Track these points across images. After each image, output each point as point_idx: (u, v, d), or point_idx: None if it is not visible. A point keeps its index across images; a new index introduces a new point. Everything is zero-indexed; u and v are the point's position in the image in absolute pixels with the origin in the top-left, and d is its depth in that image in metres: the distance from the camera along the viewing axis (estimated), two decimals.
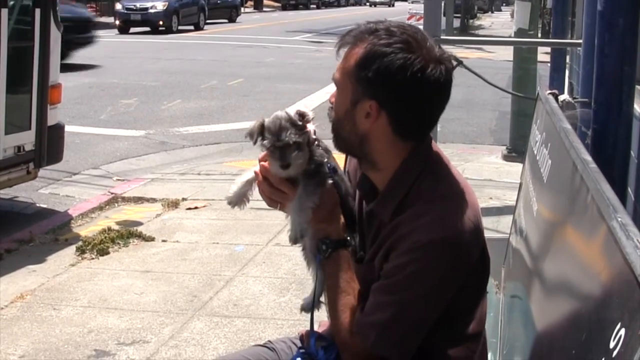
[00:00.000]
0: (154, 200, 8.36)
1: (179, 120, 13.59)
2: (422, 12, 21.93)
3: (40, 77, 7.55)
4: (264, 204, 7.81)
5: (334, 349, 2.53)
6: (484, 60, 28.07)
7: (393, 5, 78.85)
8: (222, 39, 31.08)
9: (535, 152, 3.84)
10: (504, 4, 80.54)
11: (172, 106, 15.05)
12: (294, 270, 6.23)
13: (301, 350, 2.64)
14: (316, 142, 2.52)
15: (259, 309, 5.47)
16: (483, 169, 10.52)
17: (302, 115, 2.48)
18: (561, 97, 4.15)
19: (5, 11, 7.13)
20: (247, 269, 6.28)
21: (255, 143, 2.51)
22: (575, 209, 2.45)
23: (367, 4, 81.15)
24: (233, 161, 10.55)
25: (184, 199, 8.31)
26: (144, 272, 6.17)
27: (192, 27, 36.96)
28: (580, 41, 4.61)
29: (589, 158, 2.62)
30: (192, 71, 20.22)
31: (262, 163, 2.53)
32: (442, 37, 5.24)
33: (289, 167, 2.46)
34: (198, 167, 10.22)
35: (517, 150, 11.25)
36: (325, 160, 2.52)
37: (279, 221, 7.52)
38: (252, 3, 64.64)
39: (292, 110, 2.51)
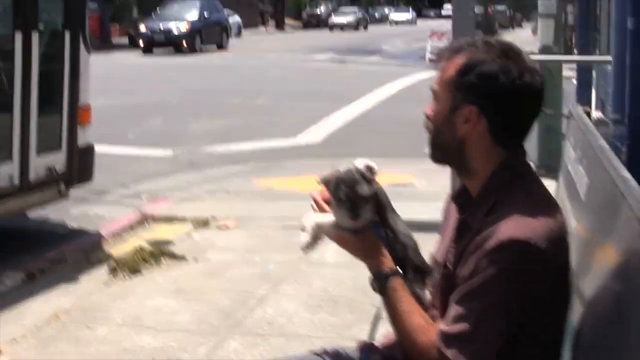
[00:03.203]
0: (184, 219, 8.38)
1: (205, 138, 13.64)
2: (444, 30, 22.20)
3: (70, 98, 7.63)
4: (294, 223, 7.87)
5: None
6: None
7: (415, 23, 78.60)
8: (244, 58, 31.22)
9: (570, 169, 3.83)
10: (525, 20, 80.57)
11: (198, 125, 15.13)
12: (327, 288, 6.24)
13: None
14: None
15: (293, 327, 5.48)
16: None
17: (369, 169, 2.60)
18: (593, 114, 4.15)
19: (36, 33, 7.22)
20: (280, 287, 6.28)
21: (329, 192, 2.61)
22: (616, 226, 2.45)
23: (389, 23, 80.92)
24: (261, 179, 10.58)
25: (214, 218, 8.32)
26: (177, 292, 6.19)
27: (215, 47, 37.19)
28: (609, 58, 4.62)
29: (628, 175, 2.62)
30: (216, 90, 20.33)
31: (317, 199, 2.68)
32: None
33: (357, 219, 2.58)
34: (226, 185, 10.25)
35: (545, 167, 11.22)
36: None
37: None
38: (273, 22, 64.95)
39: (360, 164, 2.62)
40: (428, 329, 2.48)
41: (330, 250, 7.18)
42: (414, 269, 2.69)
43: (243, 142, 13.49)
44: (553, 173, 11.44)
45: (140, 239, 7.67)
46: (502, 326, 2.36)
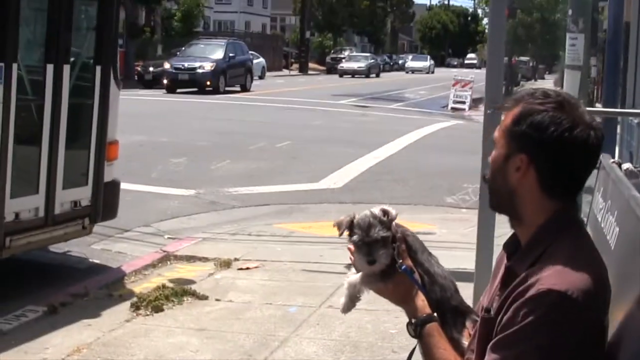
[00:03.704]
0: (206, 259, 8.40)
1: (228, 180, 13.68)
2: (468, 78, 22.21)
3: (99, 133, 7.68)
4: (315, 267, 7.87)
5: None
6: None
7: (433, 72, 77.01)
8: (268, 101, 31.39)
9: (600, 219, 3.84)
10: (547, 72, 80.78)
11: (222, 166, 15.18)
12: (348, 332, 6.22)
13: None
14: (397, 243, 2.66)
15: None
16: None
17: (386, 213, 2.63)
18: (624, 166, 4.17)
19: (67, 67, 7.29)
20: (301, 330, 6.27)
21: (340, 235, 2.67)
22: None
23: (406, 71, 79.07)
24: (283, 223, 10.61)
25: (236, 259, 8.34)
26: (199, 330, 6.19)
27: (238, 88, 37.39)
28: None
29: None
30: (240, 132, 20.42)
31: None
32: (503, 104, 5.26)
33: (374, 263, 2.61)
34: (248, 227, 10.27)
35: None
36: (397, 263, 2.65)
37: (331, 283, 7.54)
38: (297, 66, 65.37)
39: (376, 209, 2.66)
40: None
41: None
42: (452, 311, 2.70)
43: (265, 185, 13.52)
44: None
45: (162, 277, 7.68)
46: None
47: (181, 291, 7.03)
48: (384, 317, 6.57)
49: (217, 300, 6.99)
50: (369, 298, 7.45)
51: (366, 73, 62.58)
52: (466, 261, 8.17)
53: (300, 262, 8.33)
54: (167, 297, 6.86)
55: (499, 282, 2.60)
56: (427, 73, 75.79)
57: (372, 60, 67.34)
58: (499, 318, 2.44)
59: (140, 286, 7.38)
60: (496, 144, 2.55)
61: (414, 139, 21.43)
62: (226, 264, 8.17)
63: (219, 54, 36.67)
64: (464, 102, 34.77)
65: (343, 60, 66.70)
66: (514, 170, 2.48)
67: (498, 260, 2.79)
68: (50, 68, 7.13)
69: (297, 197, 12.68)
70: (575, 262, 2.37)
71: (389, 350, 5.85)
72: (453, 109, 34.07)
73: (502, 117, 2.59)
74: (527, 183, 2.47)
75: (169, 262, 8.35)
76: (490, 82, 5.23)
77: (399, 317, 6.60)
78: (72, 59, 7.46)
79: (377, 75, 64.29)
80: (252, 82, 39.46)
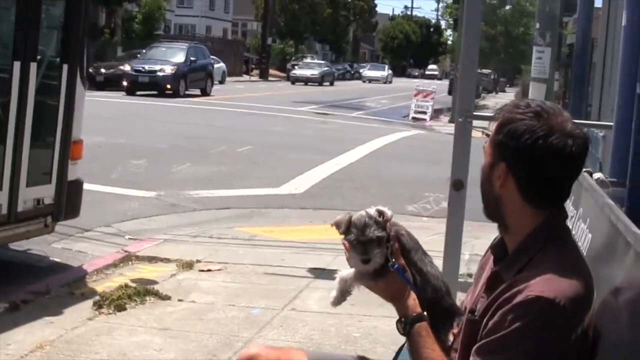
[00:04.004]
0: (167, 260, 8.39)
1: (189, 183, 13.66)
2: (429, 89, 22.46)
3: (64, 132, 7.64)
4: (277, 270, 7.92)
5: None
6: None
7: (390, 82, 76.39)
8: (228, 106, 31.35)
9: (571, 227, 3.92)
10: (509, 86, 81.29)
11: (182, 169, 15.15)
12: (311, 335, 6.26)
13: None
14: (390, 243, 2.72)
15: None
16: None
17: (381, 214, 2.70)
18: (595, 175, 4.25)
19: (34, 65, 7.25)
20: (265, 332, 6.30)
21: (341, 234, 2.74)
22: (628, 280, 2.51)
23: (363, 80, 77.67)
24: (244, 227, 10.61)
25: (198, 261, 8.35)
26: (162, 330, 6.19)
27: (199, 92, 37.29)
28: (611, 123, 4.73)
29: (636, 229, 2.70)
30: (200, 136, 20.39)
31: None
32: (474, 113, 5.38)
33: (369, 262, 2.67)
34: (209, 230, 10.27)
35: None
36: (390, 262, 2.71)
37: (294, 287, 7.58)
38: (257, 72, 65.35)
39: (372, 210, 2.73)
40: None
41: (314, 297, 7.25)
42: (442, 312, 2.75)
43: (226, 189, 13.52)
44: None
45: (124, 277, 7.67)
46: None
47: (144, 291, 7.03)
48: (347, 320, 6.62)
49: (179, 300, 6.99)
50: (326, 303, 7.50)
51: (319, 81, 61.21)
52: None
53: (263, 265, 8.36)
54: (129, 296, 6.85)
55: (484, 284, 2.67)
56: (385, 83, 75.07)
57: (326, 68, 66.04)
58: (484, 321, 2.51)
59: (102, 285, 7.36)
60: (484, 152, 2.62)
61: (375, 147, 21.52)
62: (188, 266, 8.17)
63: (180, 58, 36.55)
64: (425, 112, 35.02)
65: (296, 67, 65.27)
66: (496, 179, 2.55)
67: (483, 261, 2.84)
68: (17, 65, 7.08)
69: (258, 202, 12.69)
70: (563, 270, 2.43)
71: (352, 353, 5.87)
72: (414, 118, 34.29)
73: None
74: (509, 192, 2.54)
75: (130, 262, 8.33)
76: (462, 92, 5.31)
77: (362, 320, 6.66)
78: (39, 57, 7.42)
79: (331, 84, 63.10)
80: (212, 86, 39.37)
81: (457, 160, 5.28)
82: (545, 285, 2.38)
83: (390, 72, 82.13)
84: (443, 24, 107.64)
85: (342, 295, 2.79)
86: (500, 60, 60.64)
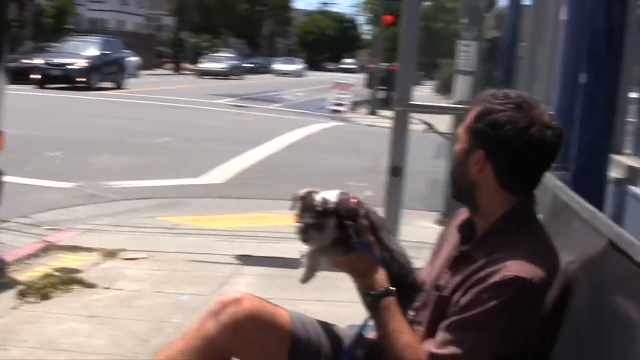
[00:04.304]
0: (90, 249, 8.24)
1: (107, 174, 13.46)
2: (348, 82, 22.68)
3: None
4: (204, 258, 7.84)
5: None
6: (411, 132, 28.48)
7: (304, 76, 75.58)
8: (144, 99, 31.02)
9: None
10: (426, 79, 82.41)
11: (100, 161, 14.94)
12: None
13: None
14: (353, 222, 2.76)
15: None
16: (421, 233, 10.61)
17: (325, 202, 2.76)
18: None
19: None
20: (195, 318, 6.16)
21: (291, 210, 2.86)
22: (591, 261, 2.56)
23: (274, 74, 76.01)
24: (167, 216, 10.49)
25: (122, 250, 8.20)
26: (90, 317, 6.06)
27: (112, 85, 36.84)
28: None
29: (595, 209, 2.76)
30: (117, 128, 20.15)
31: None
32: (413, 102, 5.48)
33: (307, 242, 2.79)
34: (131, 220, 10.12)
35: (450, 216, 11.43)
36: (354, 238, 2.77)
37: (221, 274, 7.52)
38: (171, 66, 64.88)
39: (331, 194, 2.79)
40: (417, 348, 2.61)
41: (243, 283, 7.20)
42: (408, 288, 2.78)
43: (146, 180, 13.37)
44: None
45: (47, 267, 7.51)
46: (495, 354, 2.49)
47: (69, 280, 6.89)
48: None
49: (106, 288, 6.87)
50: (255, 289, 7.44)
51: (227, 74, 59.53)
52: None
53: (188, 253, 8.27)
54: (54, 285, 6.71)
55: (450, 262, 2.74)
56: (297, 77, 74.19)
57: (235, 62, 64.51)
58: (455, 298, 2.58)
59: (25, 275, 7.19)
60: (458, 138, 2.72)
61: (296, 138, 21.56)
62: (112, 255, 8.03)
63: (93, 51, 36.10)
64: (343, 105, 35.28)
65: (203, 61, 63.21)
66: (473, 165, 2.64)
67: (442, 237, 2.90)
68: None
69: (178, 192, 12.58)
70: (536, 252, 2.53)
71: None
72: (333, 111, 34.48)
73: (467, 115, 2.73)
74: (485, 177, 2.64)
75: (52, 253, 8.15)
76: (401, 82, 5.42)
77: (294, 305, 6.45)
78: None
79: (240, 77, 61.37)
80: (126, 80, 38.94)
81: (395, 148, 5.39)
82: (522, 266, 2.47)
83: (303, 65, 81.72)
84: (361, 19, 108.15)
85: (312, 271, 2.81)
86: (420, 55, 61.29)
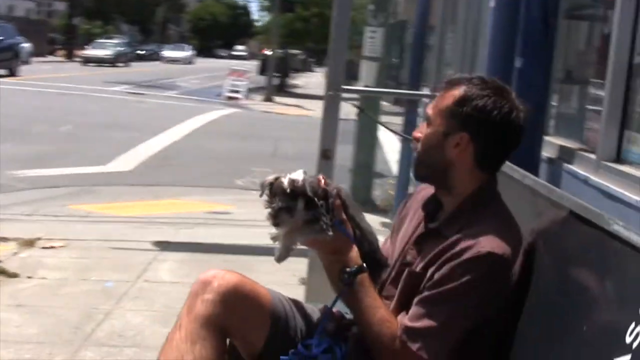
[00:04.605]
0: (6, 239, 8.13)
1: (12, 163, 13.21)
2: (244, 69, 22.70)
3: None
4: (121, 244, 7.82)
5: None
6: (301, 117, 28.79)
7: (193, 63, 74.43)
8: (39, 86, 30.47)
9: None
10: (316, 65, 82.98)
11: (3, 149, 14.65)
12: (170, 304, 6.23)
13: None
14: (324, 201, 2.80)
15: (145, 339, 5.47)
16: None
17: (293, 183, 2.79)
18: None
19: None
20: (123, 303, 6.25)
21: (260, 195, 2.85)
22: (552, 233, 2.71)
23: (162, 60, 73.75)
24: (78, 204, 10.42)
25: (38, 239, 8.13)
26: (17, 306, 6.02)
27: (6, 72, 36.02)
28: None
29: (542, 181, 2.92)
30: (16, 115, 19.75)
31: None
32: (343, 87, 5.60)
33: (278, 226, 2.81)
34: (42, 208, 10.03)
35: (357, 200, 11.63)
36: (326, 217, 2.79)
37: (141, 260, 7.54)
38: (63, 52, 63.70)
39: (297, 174, 2.82)
40: (392, 322, 2.71)
41: (164, 269, 7.24)
42: (376, 263, 2.87)
43: (53, 168, 13.22)
44: (366, 206, 11.99)
45: None
46: (467, 326, 2.63)
47: None
48: None
49: (29, 277, 6.81)
50: (178, 274, 7.40)
51: (113, 61, 57.16)
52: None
53: (106, 240, 8.25)
54: None
55: (416, 238, 2.86)
56: (187, 64, 72.91)
57: (122, 48, 62.01)
58: (428, 273, 2.69)
59: None
60: (430, 121, 2.79)
61: (197, 125, 21.57)
62: (29, 243, 7.95)
63: None
64: (239, 92, 35.26)
65: (87, 47, 60.49)
66: (452, 147, 2.74)
67: (400, 214, 3.01)
68: None
69: (86, 180, 12.48)
70: (505, 228, 2.67)
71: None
72: (229, 97, 34.44)
73: (437, 97, 2.82)
74: (464, 158, 2.75)
75: None
76: (333, 67, 5.51)
77: None
78: None
79: (127, 65, 59.15)
80: (20, 66, 38.13)
81: (326, 131, 5.49)
82: (494, 242, 2.60)
83: (192, 52, 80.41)
84: (254, 5, 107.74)
85: (287, 251, 2.86)
86: (314, 41, 61.30)
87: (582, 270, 2.35)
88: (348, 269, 2.78)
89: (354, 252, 2.81)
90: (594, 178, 4.15)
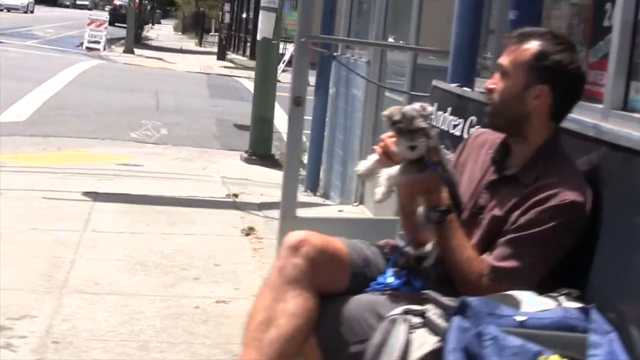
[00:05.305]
0: None
1: None
2: (103, 18, 22.67)
3: None
4: (54, 195, 7.81)
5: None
6: (166, 70, 28.63)
7: (32, 12, 71.01)
8: None
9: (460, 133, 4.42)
10: (163, 18, 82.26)
11: None
12: (128, 253, 6.34)
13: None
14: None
15: (121, 287, 5.54)
16: (232, 170, 10.95)
17: (424, 108, 3.00)
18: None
19: None
20: (82, 252, 6.28)
21: (392, 124, 2.99)
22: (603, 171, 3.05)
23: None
24: None
25: None
26: None
27: None
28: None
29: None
30: None
31: (387, 141, 3.05)
32: (314, 34, 5.79)
33: (415, 149, 2.95)
34: None
35: (257, 154, 11.87)
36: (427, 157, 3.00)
37: (79, 210, 7.59)
38: None
39: (417, 105, 3.03)
40: (479, 260, 2.97)
41: (106, 220, 7.29)
42: (458, 205, 3.10)
43: None
44: (264, 160, 12.19)
45: None
46: (550, 266, 2.92)
47: None
48: (152, 239, 6.80)
49: None
50: (122, 224, 7.36)
51: None
52: (192, 190, 8.92)
53: (36, 190, 8.20)
54: None
55: (487, 183, 3.12)
56: (26, 12, 69.47)
57: None
58: (512, 217, 2.95)
59: None
60: (508, 73, 3.02)
61: (71, 76, 21.38)
62: None
63: None
64: (98, 42, 34.81)
65: None
66: (532, 98, 2.99)
67: (460, 160, 3.32)
68: None
69: None
70: (579, 177, 2.95)
71: (178, 268, 6.07)
72: (88, 48, 33.97)
73: (511, 50, 3.04)
74: (542, 109, 3.01)
75: None
76: (302, 14, 5.66)
77: (166, 239, 6.85)
78: None
79: None
80: None
81: (297, 78, 5.63)
82: (575, 191, 2.89)
83: (31, 0, 77.28)
84: None
85: (389, 192, 3.04)
86: None
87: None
88: (439, 208, 3.00)
89: (444, 192, 3.03)
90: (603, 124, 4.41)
